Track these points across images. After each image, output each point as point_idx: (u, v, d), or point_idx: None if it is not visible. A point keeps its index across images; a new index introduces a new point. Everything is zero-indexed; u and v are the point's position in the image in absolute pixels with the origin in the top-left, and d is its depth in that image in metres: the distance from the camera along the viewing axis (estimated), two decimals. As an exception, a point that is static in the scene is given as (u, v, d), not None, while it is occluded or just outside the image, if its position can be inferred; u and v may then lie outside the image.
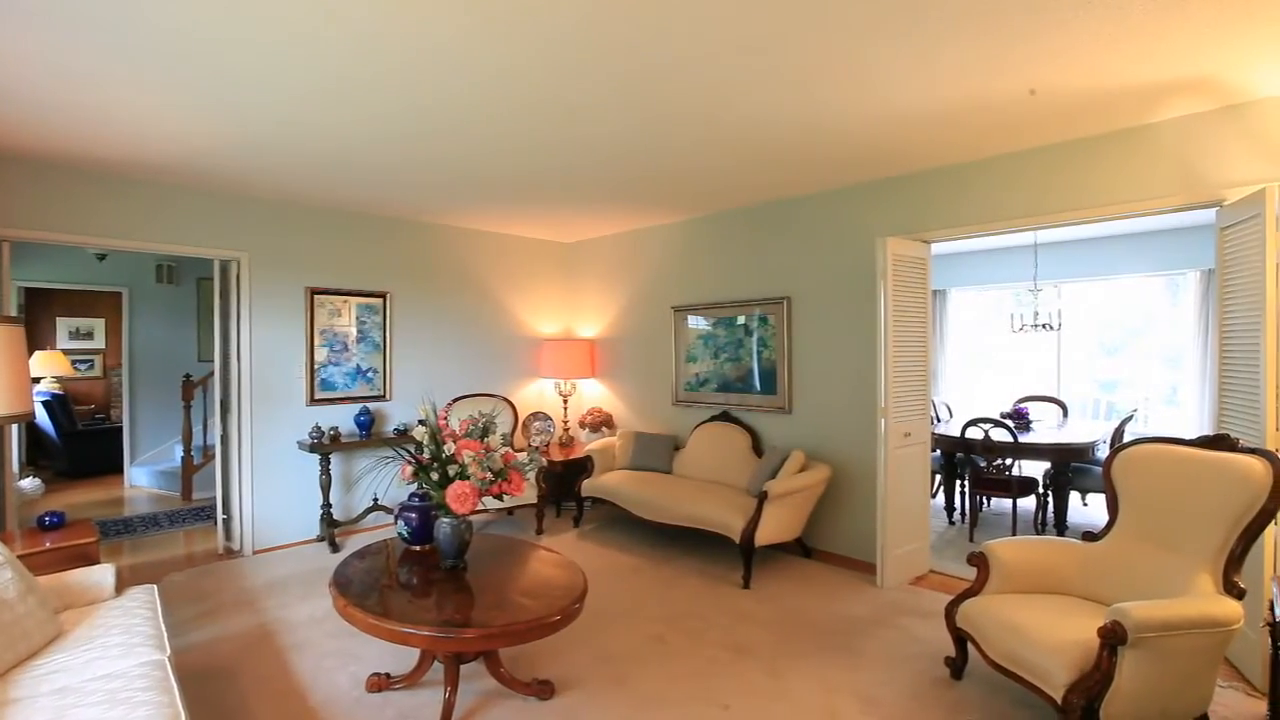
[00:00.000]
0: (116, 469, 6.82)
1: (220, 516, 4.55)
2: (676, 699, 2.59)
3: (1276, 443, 2.50)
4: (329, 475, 4.55)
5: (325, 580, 3.79)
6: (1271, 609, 2.13)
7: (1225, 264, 2.87)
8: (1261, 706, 2.45)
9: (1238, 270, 2.76)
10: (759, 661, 2.90)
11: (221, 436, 4.61)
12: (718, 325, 5.06)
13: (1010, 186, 3.54)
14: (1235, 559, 2.24)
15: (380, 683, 2.65)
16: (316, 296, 4.74)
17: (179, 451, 6.18)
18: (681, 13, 2.09)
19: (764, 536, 3.80)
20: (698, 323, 5.22)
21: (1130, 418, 5.16)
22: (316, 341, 4.74)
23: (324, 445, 4.47)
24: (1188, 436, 2.59)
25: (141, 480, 6.56)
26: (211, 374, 5.57)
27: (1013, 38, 2.25)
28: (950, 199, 3.77)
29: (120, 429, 6.80)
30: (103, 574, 2.59)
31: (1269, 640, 2.09)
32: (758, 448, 4.69)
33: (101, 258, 6.46)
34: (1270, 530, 2.44)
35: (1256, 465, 2.25)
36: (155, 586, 2.69)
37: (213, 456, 5.83)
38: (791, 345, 4.56)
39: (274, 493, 4.55)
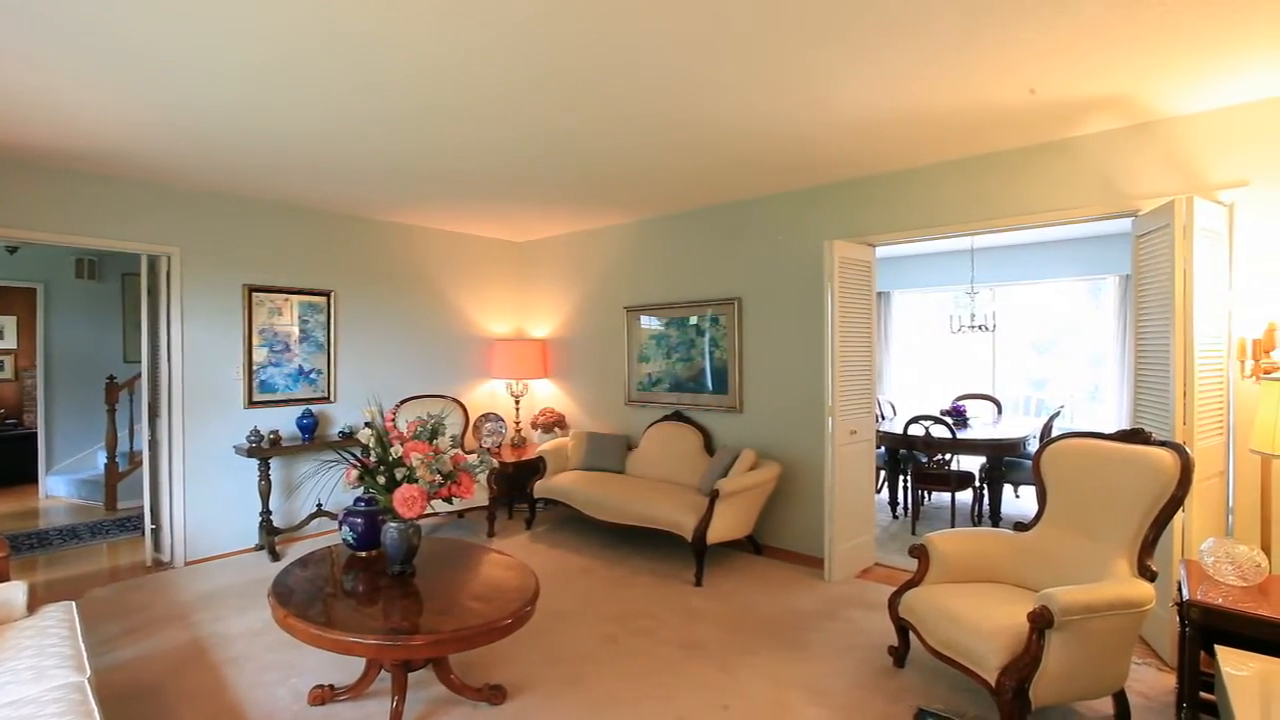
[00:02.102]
0: (30, 478, 6.35)
1: (149, 526, 4.30)
2: (630, 699, 2.60)
3: (1184, 436, 2.69)
4: (269, 481, 4.36)
5: (264, 590, 3.63)
6: (1180, 590, 2.30)
7: (1139, 270, 3.08)
8: (1172, 680, 2.64)
9: (1150, 276, 2.96)
10: (711, 658, 2.93)
11: (150, 442, 4.36)
12: (670, 325, 5.10)
13: (946, 193, 3.70)
14: (1148, 544, 2.40)
15: (324, 695, 2.56)
16: (255, 294, 4.53)
17: (102, 459, 5.80)
18: (633, 11, 2.10)
19: (716, 534, 3.86)
20: (650, 323, 5.24)
21: (1058, 414, 5.47)
22: (255, 341, 4.54)
23: (263, 449, 4.28)
24: (1107, 431, 2.77)
25: (59, 490, 6.13)
26: (139, 376, 5.26)
27: (943, 50, 2.36)
28: (892, 204, 3.91)
29: (34, 435, 6.33)
30: (12, 592, 2.41)
31: (1178, 619, 2.25)
32: (710, 447, 4.74)
33: (13, 250, 6.01)
34: (1179, 517, 2.63)
35: (1166, 457, 2.42)
36: (74, 603, 2.52)
37: (140, 463, 5.51)
38: (742, 345, 4.64)
39: (208, 500, 4.33)
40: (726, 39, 2.26)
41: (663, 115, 2.96)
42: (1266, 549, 2.66)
